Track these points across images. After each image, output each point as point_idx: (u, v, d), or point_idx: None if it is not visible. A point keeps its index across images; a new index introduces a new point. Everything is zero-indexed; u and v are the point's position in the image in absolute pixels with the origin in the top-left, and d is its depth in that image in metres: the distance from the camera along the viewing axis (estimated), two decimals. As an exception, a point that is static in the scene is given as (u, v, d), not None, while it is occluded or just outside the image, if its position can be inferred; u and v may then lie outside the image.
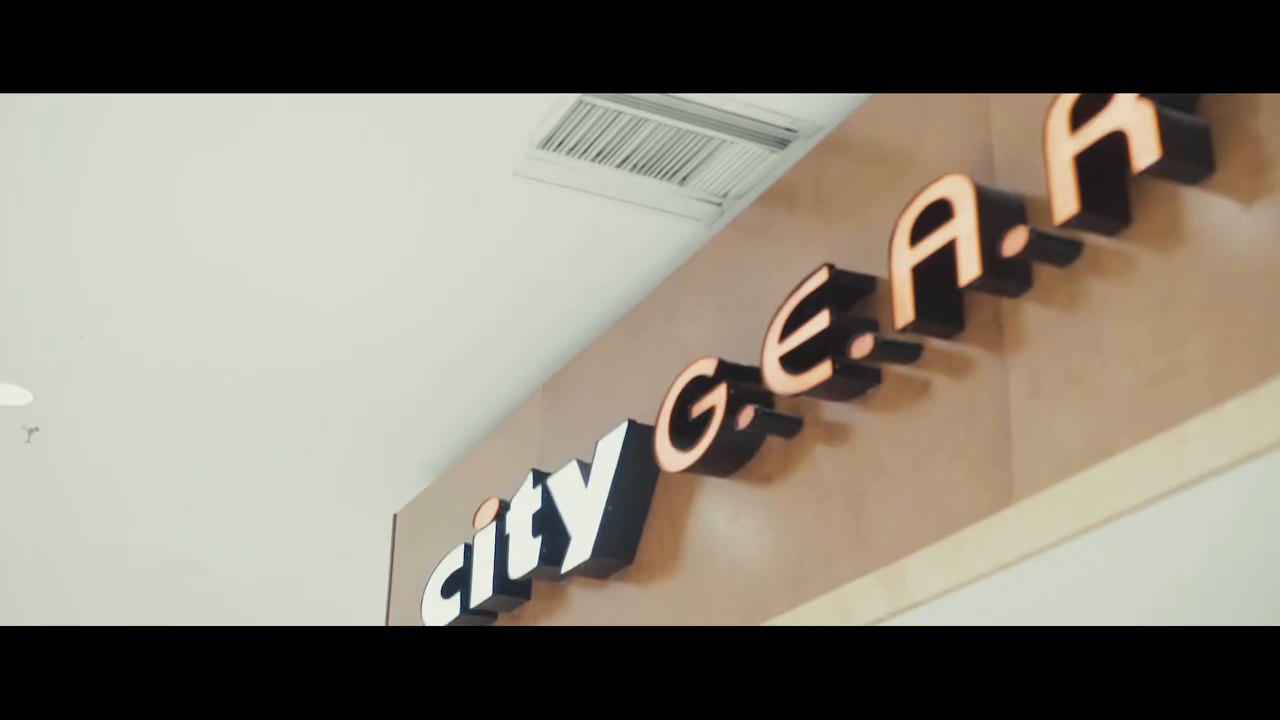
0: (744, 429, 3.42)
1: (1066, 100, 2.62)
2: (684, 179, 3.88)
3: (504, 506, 4.48)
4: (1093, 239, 2.64)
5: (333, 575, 6.62)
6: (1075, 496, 2.59)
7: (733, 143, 3.71)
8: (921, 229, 2.92)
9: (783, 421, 3.40)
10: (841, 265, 3.25)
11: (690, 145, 3.73)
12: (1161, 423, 2.44)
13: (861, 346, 3.07)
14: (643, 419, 3.89)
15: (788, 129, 3.66)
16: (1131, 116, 2.48)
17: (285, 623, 6.68)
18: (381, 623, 5.54)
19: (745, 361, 3.52)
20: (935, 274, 2.89)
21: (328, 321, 4.63)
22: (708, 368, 3.59)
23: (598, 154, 3.77)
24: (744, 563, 3.51)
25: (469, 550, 4.64)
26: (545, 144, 3.72)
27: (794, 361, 3.25)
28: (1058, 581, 2.84)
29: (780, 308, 3.33)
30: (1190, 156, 2.44)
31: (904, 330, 2.97)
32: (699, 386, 3.61)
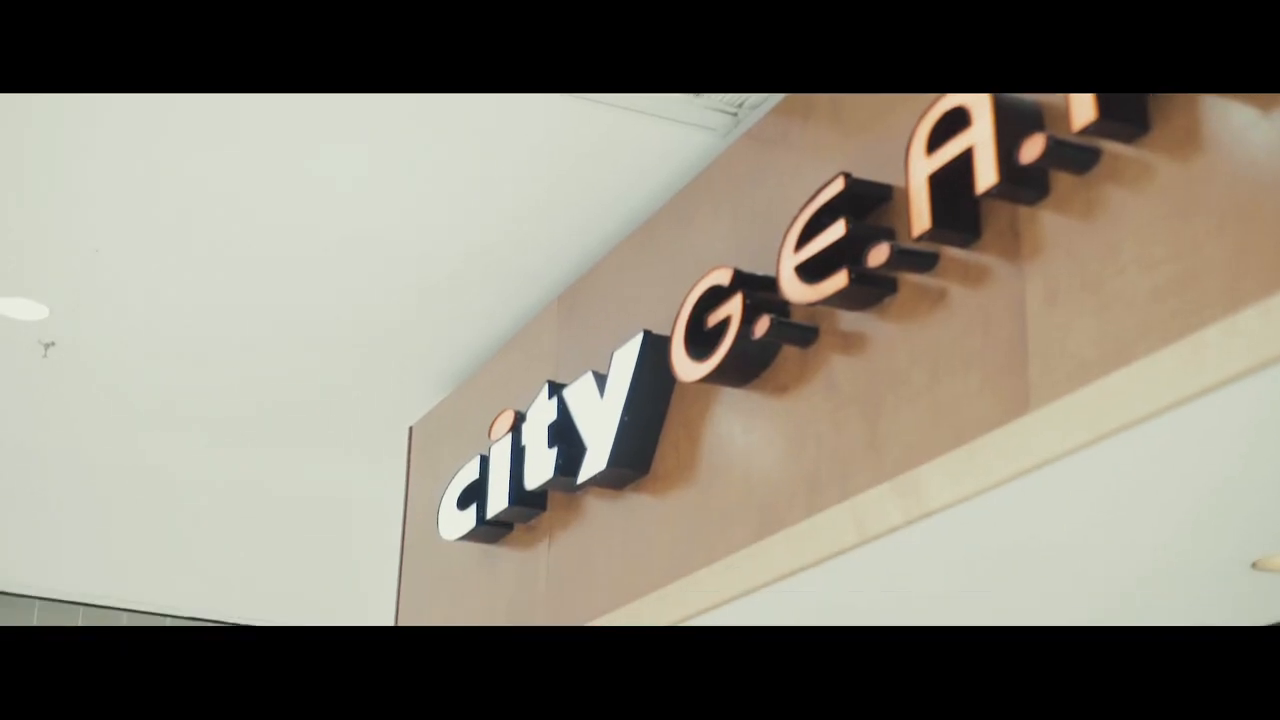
0: (760, 339, 3.42)
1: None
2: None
3: (519, 418, 4.49)
4: (1111, 146, 2.62)
5: (350, 490, 6.65)
6: (1091, 405, 2.59)
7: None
8: (938, 137, 2.91)
9: (798, 331, 3.40)
10: (857, 174, 3.24)
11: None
12: (1178, 330, 2.43)
13: (878, 255, 3.06)
14: (658, 330, 3.89)
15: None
16: (1150, 22, 2.46)
17: (302, 537, 6.71)
18: (398, 535, 5.57)
19: (761, 271, 3.51)
20: (952, 182, 2.88)
21: (343, 236, 4.63)
22: (723, 278, 3.59)
23: (612, 64, 3.75)
24: (759, 472, 3.52)
25: (485, 462, 4.66)
26: (559, 54, 3.70)
27: (810, 271, 3.25)
28: (1073, 490, 2.85)
29: (796, 217, 3.32)
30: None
31: (920, 239, 2.96)
32: (714, 296, 3.61)
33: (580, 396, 4.17)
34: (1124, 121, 2.56)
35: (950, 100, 2.89)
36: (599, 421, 4.03)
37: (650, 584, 3.83)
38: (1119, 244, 2.58)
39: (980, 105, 2.81)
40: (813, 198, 3.28)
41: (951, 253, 2.99)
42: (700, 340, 3.64)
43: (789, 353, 3.47)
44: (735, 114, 3.94)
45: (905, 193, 3.00)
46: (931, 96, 2.97)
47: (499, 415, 4.62)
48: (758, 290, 3.49)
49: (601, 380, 4.07)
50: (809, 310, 3.36)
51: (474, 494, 4.68)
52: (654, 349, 3.88)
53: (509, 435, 4.50)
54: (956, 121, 2.87)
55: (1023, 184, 2.76)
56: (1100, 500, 2.92)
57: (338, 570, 6.75)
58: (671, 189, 4.23)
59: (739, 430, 3.64)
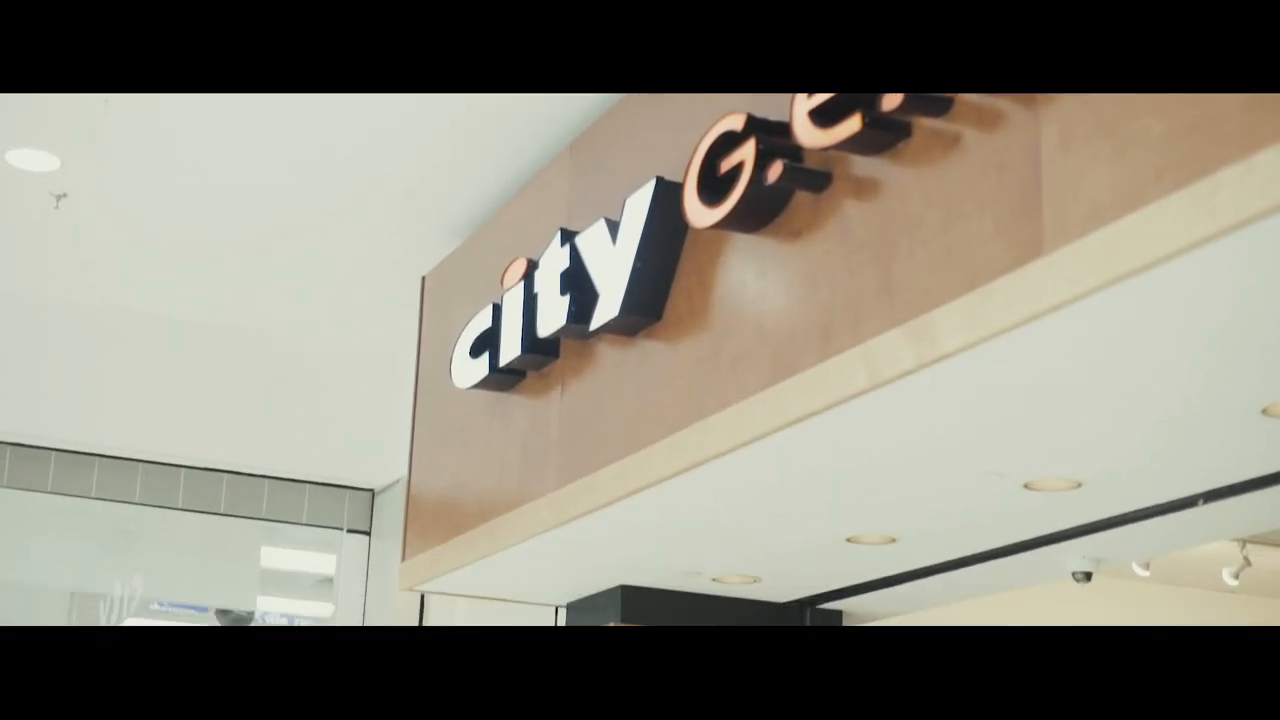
0: (773, 184, 3.41)
1: None
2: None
3: (532, 266, 4.49)
4: (1129, -13, 2.60)
5: (363, 339, 6.68)
6: (1105, 248, 2.58)
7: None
8: (954, -21, 2.88)
9: (812, 176, 3.39)
10: (872, 17, 3.20)
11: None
12: (1193, 173, 2.43)
13: (892, 99, 3.04)
14: (671, 176, 3.88)
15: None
16: None
17: (316, 386, 6.74)
18: (410, 385, 5.59)
19: (774, 116, 3.49)
20: (967, 24, 2.85)
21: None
22: (736, 123, 3.57)
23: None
24: (772, 318, 3.53)
25: (497, 310, 4.67)
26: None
27: (823, 115, 3.23)
28: (1086, 334, 2.85)
29: (810, 61, 3.29)
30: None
31: (935, 82, 2.94)
32: (727, 142, 3.60)
33: (592, 243, 4.17)
34: (1143, -39, 2.53)
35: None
36: (611, 268, 4.03)
37: (662, 430, 3.85)
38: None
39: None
40: (827, 41, 3.25)
41: (966, 97, 2.97)
42: (713, 186, 3.63)
43: (802, 198, 3.46)
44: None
45: (920, 35, 2.97)
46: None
47: (511, 263, 4.62)
48: (771, 135, 3.47)
49: (614, 227, 4.06)
50: (822, 155, 3.35)
51: (486, 342, 4.69)
52: (666, 195, 3.87)
53: (521, 283, 4.51)
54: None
55: (1039, 25, 2.73)
56: (1112, 345, 2.93)
57: (350, 421, 6.79)
58: (684, 35, 4.19)
59: (751, 276, 3.64)
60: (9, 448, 6.48)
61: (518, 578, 5.19)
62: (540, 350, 4.44)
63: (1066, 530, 4.24)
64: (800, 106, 3.29)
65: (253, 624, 9.75)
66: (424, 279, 5.67)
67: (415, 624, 6.73)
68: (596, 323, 4.08)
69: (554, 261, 4.29)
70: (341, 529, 7.00)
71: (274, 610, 9.88)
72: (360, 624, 6.93)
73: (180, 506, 6.77)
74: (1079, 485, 3.81)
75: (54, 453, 6.55)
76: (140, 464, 6.66)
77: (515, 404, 4.71)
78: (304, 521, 6.96)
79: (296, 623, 10.06)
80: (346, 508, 7.00)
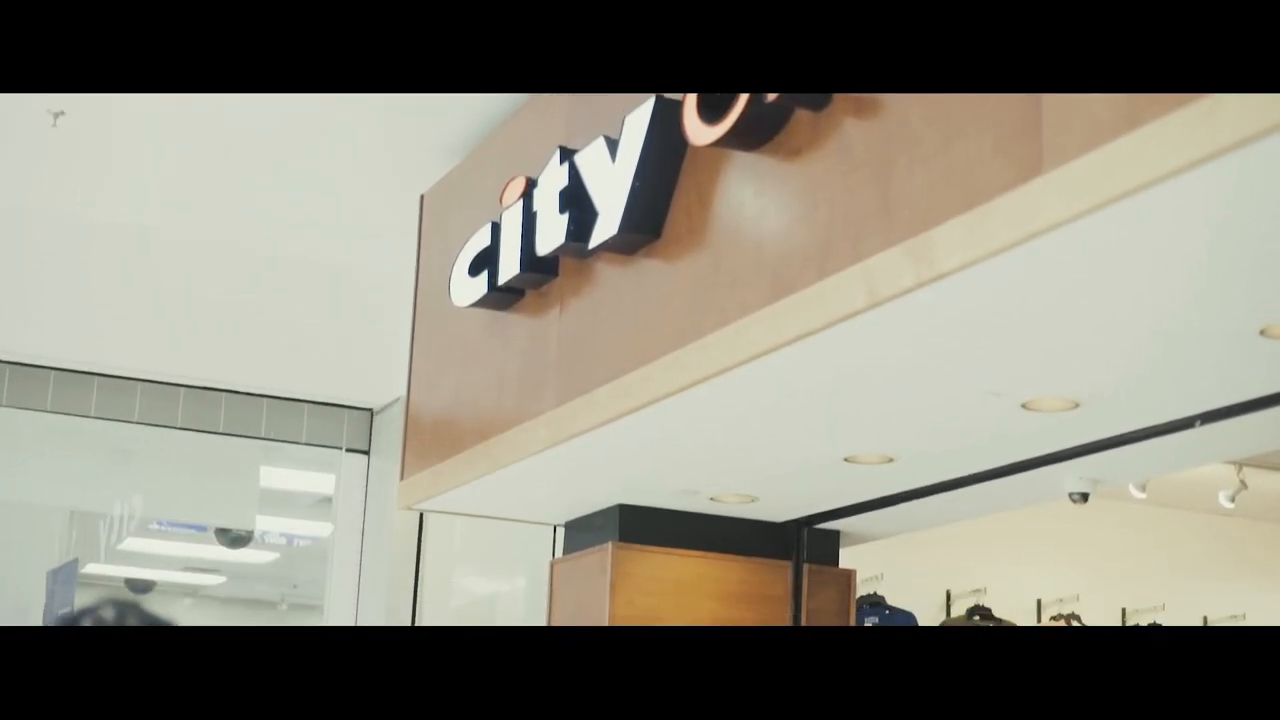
0: (772, 101, 3.40)
1: None
2: None
3: (531, 184, 4.48)
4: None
5: (362, 258, 6.66)
6: (1104, 167, 2.58)
7: None
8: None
9: (811, 93, 3.38)
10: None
11: None
12: (1194, 91, 2.42)
13: (893, 16, 3.02)
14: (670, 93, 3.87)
15: None
16: None
17: (315, 305, 6.74)
18: (410, 304, 5.59)
19: (774, 34, 3.47)
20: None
21: None
22: (736, 41, 3.55)
23: None
24: (771, 236, 3.53)
25: (496, 229, 4.66)
26: None
27: (824, 33, 3.21)
28: (1085, 253, 2.85)
29: (810, -22, 3.27)
30: None
31: None
32: (727, 60, 3.58)
33: (592, 161, 4.16)
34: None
35: None
36: (610, 186, 4.02)
37: (661, 348, 3.86)
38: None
39: None
40: (828, -43, 3.23)
41: (968, 13, 2.96)
42: (712, 104, 3.61)
43: (801, 116, 3.44)
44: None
45: (922, -49, 2.95)
46: None
47: (510, 182, 4.61)
48: (771, 53, 3.45)
49: (613, 145, 4.05)
50: (822, 73, 3.34)
51: (485, 261, 4.69)
52: (666, 113, 3.85)
53: (520, 201, 4.50)
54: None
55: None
56: (1111, 264, 2.93)
57: (349, 340, 6.79)
58: (684, -49, 4.17)
59: (750, 194, 3.63)
60: (8, 367, 6.48)
61: (516, 496, 5.21)
62: (539, 269, 4.44)
63: (1064, 451, 4.26)
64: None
65: (251, 544, 9.81)
66: (423, 197, 5.66)
67: (414, 542, 6.76)
68: (595, 241, 4.07)
69: (553, 179, 4.28)
70: (340, 448, 7.02)
71: (273, 529, 9.94)
72: (359, 542, 6.95)
73: (179, 426, 6.78)
74: (1076, 406, 3.82)
75: (53, 372, 6.55)
76: (139, 383, 6.66)
77: (514, 322, 4.72)
78: (303, 441, 6.97)
79: (295, 541, 10.13)
80: (345, 427, 7.01)
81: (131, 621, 2.27)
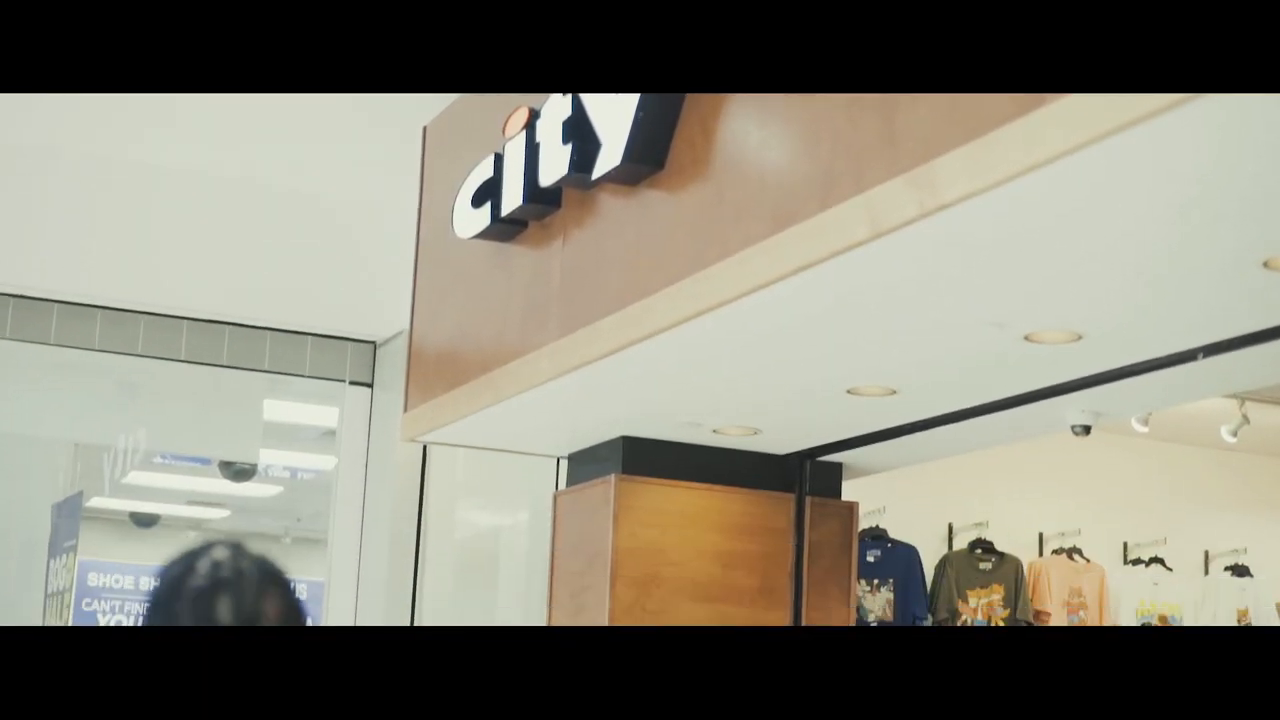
0: (776, 32, 3.39)
1: None
2: None
3: (534, 115, 4.46)
4: None
5: (365, 190, 6.65)
6: (1107, 98, 2.57)
7: None
8: None
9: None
10: None
11: None
12: (1200, 18, 2.41)
13: (897, -55, 3.01)
14: (673, 25, 3.85)
15: None
16: None
17: (318, 237, 6.72)
18: (413, 236, 5.59)
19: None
20: None
21: None
22: (740, -30, 3.53)
23: None
24: (773, 168, 3.52)
25: (499, 160, 4.65)
26: None
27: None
28: (1087, 184, 2.85)
29: (814, -94, 3.25)
30: None
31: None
32: (731, -10, 3.56)
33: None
34: None
35: None
36: (614, 117, 4.01)
37: (664, 279, 3.86)
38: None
39: None
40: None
41: (972, -58, 2.94)
42: (716, 34, 3.60)
43: (805, 46, 3.43)
44: None
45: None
46: None
47: (513, 113, 4.59)
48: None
49: (616, 76, 4.03)
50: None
51: (488, 192, 4.68)
52: (669, 44, 3.84)
53: (523, 133, 4.48)
54: None
55: None
56: (1111, 197, 2.92)
57: (352, 272, 6.78)
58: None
59: (754, 125, 3.62)
60: (10, 299, 6.48)
61: (519, 428, 5.23)
62: (542, 200, 4.43)
63: (1066, 384, 4.26)
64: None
65: (254, 478, 9.83)
66: (425, 129, 5.65)
67: (418, 475, 6.77)
68: (598, 172, 4.06)
69: (556, 111, 4.26)
70: (344, 381, 7.02)
71: (276, 462, 9.97)
72: (363, 476, 6.96)
73: (183, 359, 6.77)
74: (1079, 338, 3.82)
75: (56, 304, 6.54)
76: (143, 316, 6.65)
77: (517, 254, 4.71)
78: (306, 374, 6.97)
79: (299, 475, 10.15)
80: (349, 360, 7.01)
81: (243, 563, 2.27)
